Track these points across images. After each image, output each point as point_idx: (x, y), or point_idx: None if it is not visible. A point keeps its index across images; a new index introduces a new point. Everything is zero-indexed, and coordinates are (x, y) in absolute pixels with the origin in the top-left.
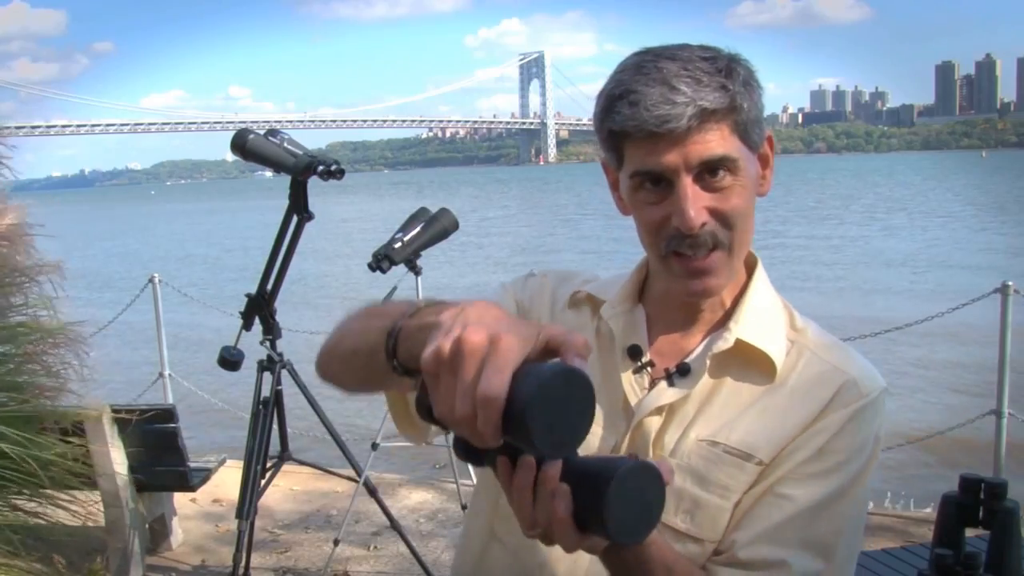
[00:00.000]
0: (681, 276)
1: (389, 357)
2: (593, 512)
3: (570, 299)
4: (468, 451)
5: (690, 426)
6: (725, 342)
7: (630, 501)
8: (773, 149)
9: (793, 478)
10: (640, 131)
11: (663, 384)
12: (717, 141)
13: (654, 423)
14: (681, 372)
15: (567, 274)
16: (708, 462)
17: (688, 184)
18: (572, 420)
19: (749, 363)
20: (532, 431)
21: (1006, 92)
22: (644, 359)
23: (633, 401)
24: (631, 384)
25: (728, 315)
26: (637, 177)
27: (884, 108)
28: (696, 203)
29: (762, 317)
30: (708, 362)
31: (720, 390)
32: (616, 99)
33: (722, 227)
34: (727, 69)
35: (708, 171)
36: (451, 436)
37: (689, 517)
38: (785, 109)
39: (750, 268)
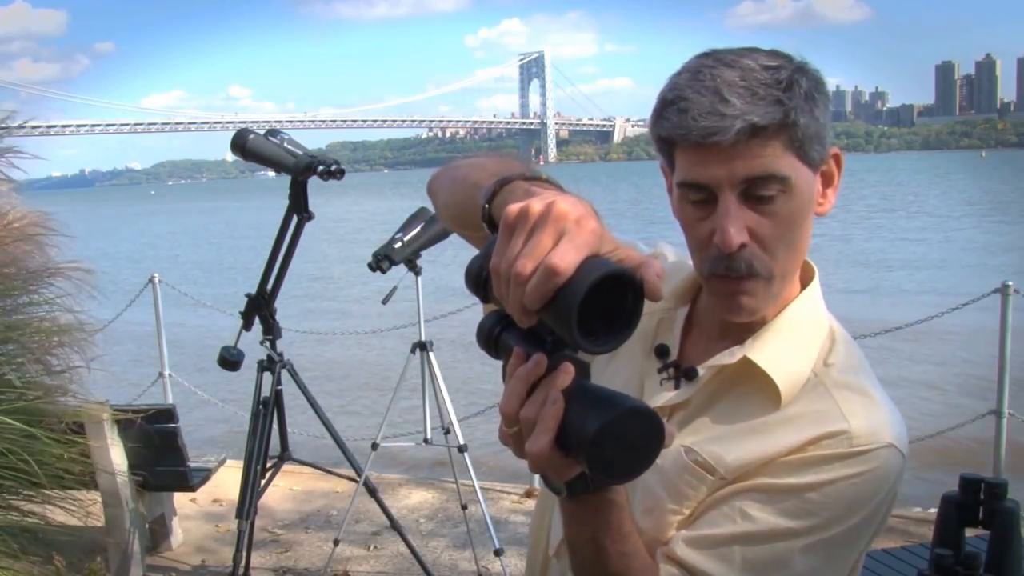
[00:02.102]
0: (720, 295)
1: (485, 200)
2: (581, 432)
3: None
4: (488, 339)
5: (681, 432)
6: (731, 356)
7: (622, 440)
8: (840, 167)
9: (752, 497)
10: (686, 140)
11: (670, 385)
12: (767, 157)
13: None
14: (688, 376)
15: (673, 258)
16: (678, 467)
17: (731, 201)
18: (616, 320)
19: (754, 384)
20: (574, 314)
21: (1006, 92)
22: (669, 359)
23: (646, 397)
24: (651, 381)
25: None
26: (683, 187)
27: (884, 108)
28: (737, 222)
29: (788, 340)
30: (710, 372)
31: (721, 403)
32: (668, 104)
33: (762, 252)
34: (788, 81)
35: (755, 188)
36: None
37: (648, 515)
38: None
39: (805, 282)
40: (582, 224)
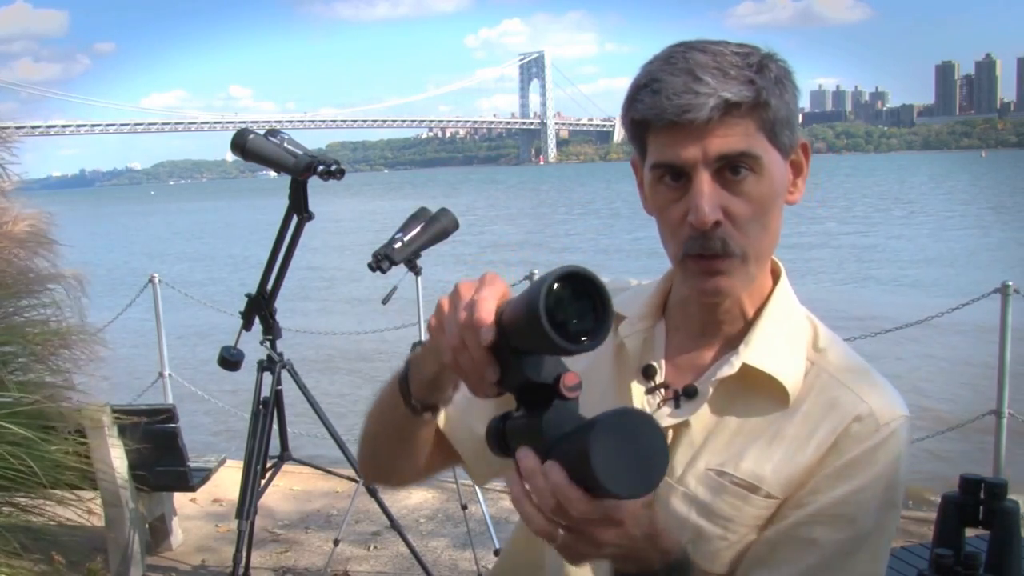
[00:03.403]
0: (696, 275)
1: (405, 398)
2: (582, 457)
3: None
4: (498, 435)
5: (699, 454)
6: (730, 367)
7: (620, 449)
8: (808, 158)
9: (818, 521)
10: (661, 120)
11: (670, 405)
12: (740, 136)
13: None
14: (688, 394)
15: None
16: (713, 492)
17: (706, 179)
18: (578, 319)
19: (759, 388)
20: (543, 322)
21: (1006, 92)
22: (658, 379)
23: None
24: (643, 404)
25: (745, 330)
26: (657, 169)
27: (884, 108)
28: (711, 199)
29: (778, 336)
30: (712, 388)
31: (730, 416)
32: (641, 88)
33: (736, 232)
34: (758, 65)
35: (729, 168)
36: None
37: (692, 548)
38: None
39: (775, 278)
40: (485, 277)
